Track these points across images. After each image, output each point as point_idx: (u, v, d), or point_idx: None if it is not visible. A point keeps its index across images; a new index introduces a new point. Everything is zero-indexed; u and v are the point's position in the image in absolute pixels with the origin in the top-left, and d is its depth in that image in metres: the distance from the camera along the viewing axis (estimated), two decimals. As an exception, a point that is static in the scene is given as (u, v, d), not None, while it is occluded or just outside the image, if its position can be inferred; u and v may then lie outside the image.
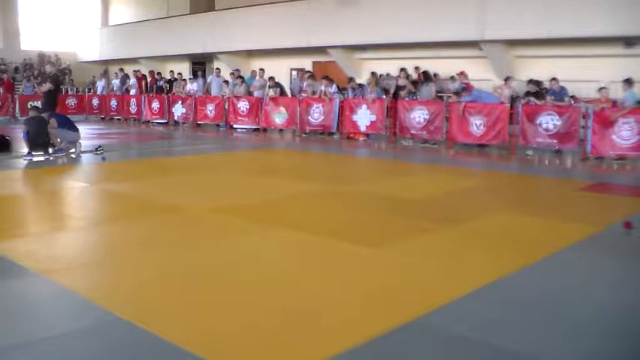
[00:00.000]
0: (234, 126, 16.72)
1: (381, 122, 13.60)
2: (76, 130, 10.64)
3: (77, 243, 5.03)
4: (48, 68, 14.97)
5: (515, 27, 14.51)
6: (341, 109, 14.25)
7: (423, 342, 3.01)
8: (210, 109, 17.22)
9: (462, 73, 15.34)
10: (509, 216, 6.06)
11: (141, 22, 26.32)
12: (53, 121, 10.23)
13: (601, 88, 11.51)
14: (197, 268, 4.16)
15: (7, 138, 10.93)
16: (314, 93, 15.04)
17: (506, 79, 13.50)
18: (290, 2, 19.56)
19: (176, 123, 18.49)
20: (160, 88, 19.71)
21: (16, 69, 25.67)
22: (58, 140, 10.29)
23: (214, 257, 4.47)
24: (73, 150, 10.47)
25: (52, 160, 9.88)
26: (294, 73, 17.68)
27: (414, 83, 14.17)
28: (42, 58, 26.57)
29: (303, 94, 15.52)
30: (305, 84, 15.88)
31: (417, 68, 16.26)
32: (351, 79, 15.34)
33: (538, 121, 11.32)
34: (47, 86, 12.15)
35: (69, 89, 25.67)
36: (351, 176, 9.24)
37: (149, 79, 20.72)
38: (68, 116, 11.72)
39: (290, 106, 15.33)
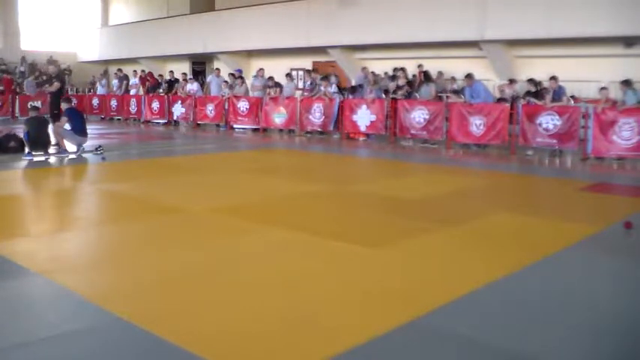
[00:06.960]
0: (234, 126, 16.72)
1: (381, 122, 13.60)
2: (85, 135, 10.59)
3: (77, 243, 5.03)
4: (51, 69, 15.07)
5: (515, 27, 14.50)
6: (341, 109, 14.26)
7: (423, 342, 3.02)
8: (210, 109, 17.21)
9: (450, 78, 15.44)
10: (509, 216, 6.06)
11: (141, 22, 26.30)
12: (64, 120, 10.19)
13: (602, 88, 11.51)
14: (197, 268, 4.16)
15: (19, 137, 10.80)
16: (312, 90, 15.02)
17: (511, 81, 13.49)
18: (290, 2, 19.55)
19: (176, 123, 18.50)
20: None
21: (16, 69, 25.65)
22: (64, 140, 10.25)
23: (214, 257, 4.46)
24: (74, 150, 10.45)
25: (52, 160, 9.88)
26: (294, 73, 17.62)
27: (411, 84, 14.15)
28: (50, 60, 26.55)
29: (305, 93, 15.51)
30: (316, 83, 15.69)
31: (420, 66, 16.25)
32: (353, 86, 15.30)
33: (538, 121, 11.32)
34: (56, 85, 12.28)
35: (69, 89, 25.64)
36: (351, 176, 9.24)
37: (150, 80, 20.74)
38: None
39: (290, 106, 15.33)
